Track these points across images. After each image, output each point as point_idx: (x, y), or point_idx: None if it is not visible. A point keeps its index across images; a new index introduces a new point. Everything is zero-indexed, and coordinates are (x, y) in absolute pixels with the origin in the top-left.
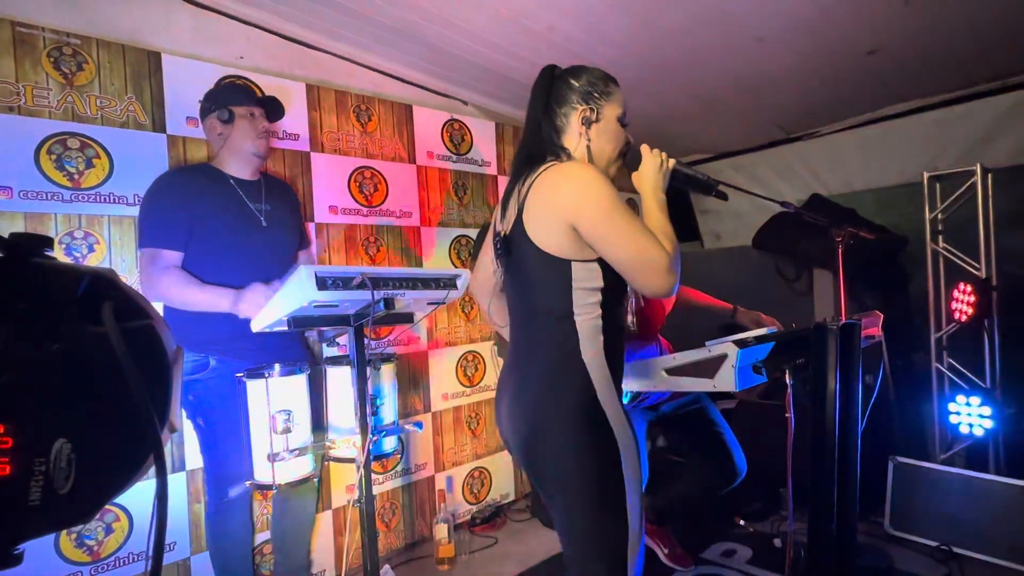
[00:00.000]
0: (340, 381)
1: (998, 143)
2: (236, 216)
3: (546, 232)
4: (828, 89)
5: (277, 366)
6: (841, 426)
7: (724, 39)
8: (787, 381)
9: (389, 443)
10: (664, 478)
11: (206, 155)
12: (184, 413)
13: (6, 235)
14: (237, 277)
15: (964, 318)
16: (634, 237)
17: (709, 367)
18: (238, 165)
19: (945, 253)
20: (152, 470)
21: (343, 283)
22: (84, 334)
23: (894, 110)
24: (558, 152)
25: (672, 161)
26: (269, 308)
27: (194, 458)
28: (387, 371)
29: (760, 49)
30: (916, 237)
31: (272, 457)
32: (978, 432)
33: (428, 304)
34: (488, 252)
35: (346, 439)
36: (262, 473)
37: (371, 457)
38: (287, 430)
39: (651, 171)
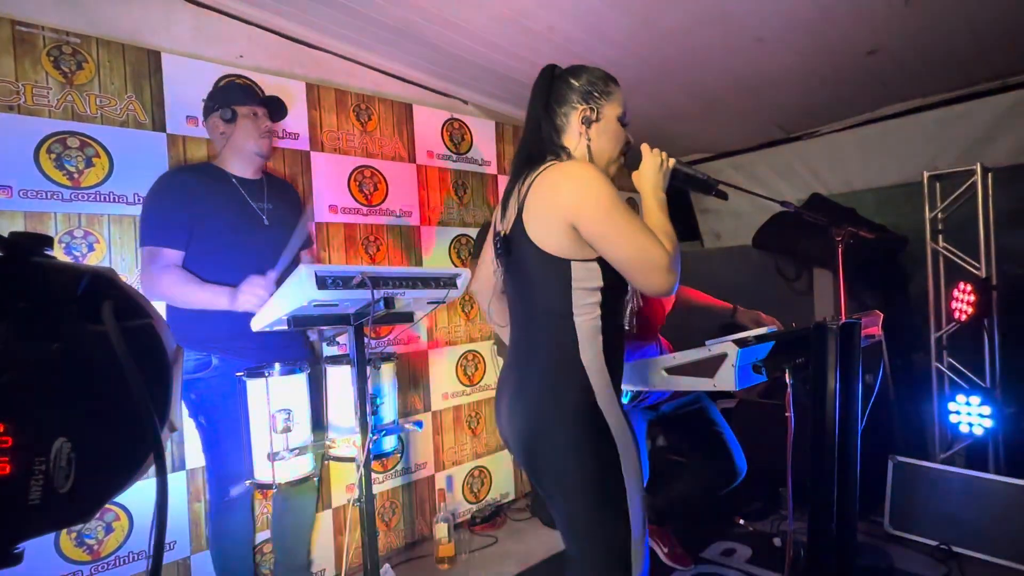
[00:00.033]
0: (340, 380)
1: (998, 142)
2: (238, 215)
3: (546, 231)
4: (828, 89)
5: (277, 365)
6: (841, 425)
7: (724, 39)
8: (787, 380)
9: (389, 442)
10: (664, 478)
11: (206, 154)
12: (186, 412)
13: (6, 234)
14: (239, 275)
15: (964, 317)
16: (634, 236)
17: (709, 366)
18: (240, 164)
19: (945, 252)
20: (152, 469)
21: (343, 282)
22: (84, 333)
23: (894, 110)
24: (558, 152)
25: (672, 160)
26: (269, 307)
27: (194, 457)
28: (387, 370)
29: (760, 49)
30: (916, 236)
31: (272, 456)
32: (978, 431)
33: (428, 303)
34: (489, 252)
35: (346, 438)
36: (262, 472)
37: (371, 456)
38: (287, 429)
39: (651, 170)
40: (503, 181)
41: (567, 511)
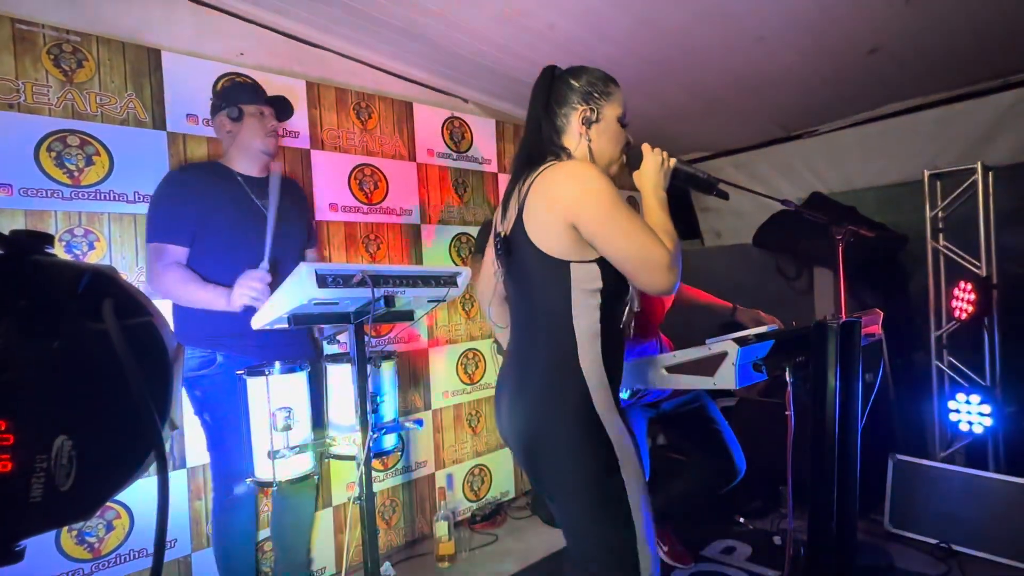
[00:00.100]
0: (340, 378)
1: (999, 141)
2: (243, 212)
3: (546, 232)
4: (829, 88)
5: (277, 364)
6: (841, 424)
7: (724, 38)
8: (787, 379)
9: (389, 440)
10: (664, 477)
11: (206, 152)
12: (191, 409)
13: (6, 232)
14: (242, 272)
15: (964, 316)
16: (635, 235)
17: (709, 365)
18: (246, 163)
19: (945, 251)
20: (152, 467)
21: (343, 281)
22: (84, 331)
23: (894, 108)
24: (558, 152)
25: (673, 160)
26: (269, 305)
27: (195, 455)
28: (387, 369)
29: (761, 48)
30: (916, 235)
31: (272, 454)
32: (978, 430)
33: (428, 302)
34: (491, 252)
35: (346, 436)
36: (262, 470)
37: (371, 454)
38: (287, 427)
39: (652, 170)
40: (503, 179)
41: (568, 514)
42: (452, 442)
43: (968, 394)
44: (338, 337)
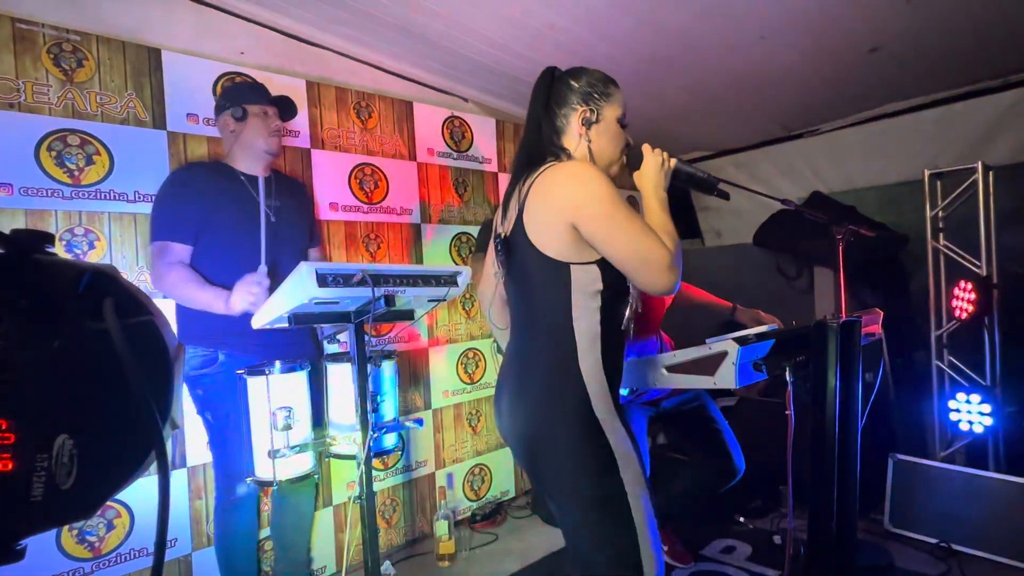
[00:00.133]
0: (341, 378)
1: (999, 141)
2: (245, 212)
3: (546, 233)
4: (829, 87)
5: (278, 363)
6: (841, 423)
7: (725, 37)
8: (787, 378)
9: (390, 440)
10: (663, 476)
11: (207, 151)
12: (194, 408)
13: (7, 232)
14: (246, 270)
15: (964, 316)
16: (635, 235)
17: (710, 364)
18: (249, 162)
19: (946, 251)
20: (153, 467)
21: (343, 280)
22: (85, 330)
23: (895, 108)
24: (558, 153)
25: (673, 160)
26: (270, 304)
27: (195, 454)
28: (388, 368)
29: (762, 47)
30: (917, 235)
31: (273, 454)
32: (978, 429)
33: (429, 301)
34: (492, 253)
35: (347, 436)
36: (263, 470)
37: (372, 454)
38: (288, 427)
39: (652, 170)
40: (503, 179)
41: (568, 515)
42: (452, 441)
43: (968, 394)
44: (338, 336)
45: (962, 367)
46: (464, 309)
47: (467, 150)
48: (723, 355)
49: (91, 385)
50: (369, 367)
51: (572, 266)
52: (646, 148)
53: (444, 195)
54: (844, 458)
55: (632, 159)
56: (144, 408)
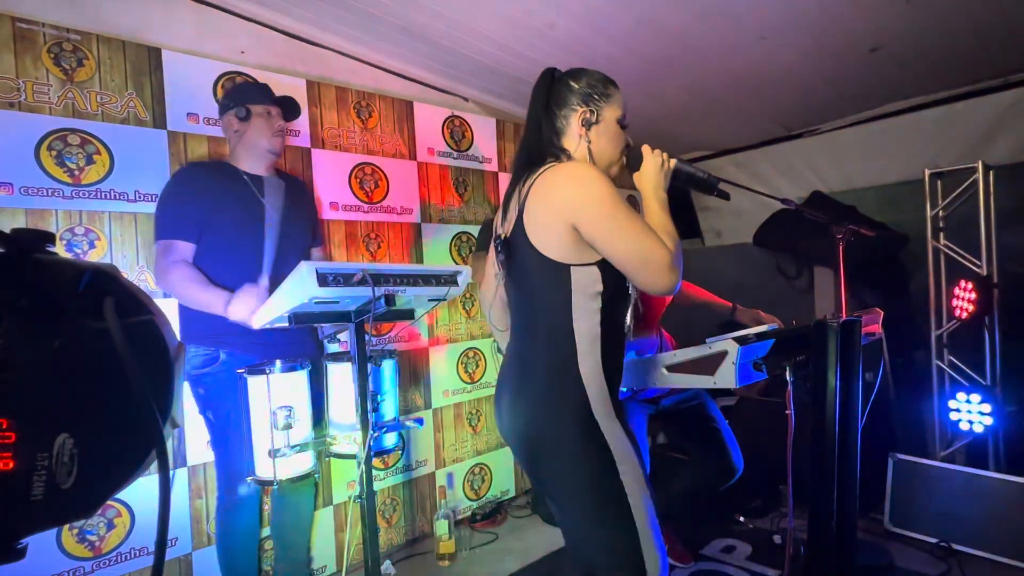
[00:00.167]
0: (341, 377)
1: (1000, 140)
2: (248, 211)
3: (546, 234)
4: (830, 87)
5: (278, 362)
6: (841, 423)
7: (725, 37)
8: (787, 378)
9: (390, 439)
10: (662, 476)
11: (207, 151)
12: (196, 408)
13: (8, 231)
14: (248, 270)
15: (965, 315)
16: (636, 235)
17: (710, 364)
18: (252, 161)
19: (946, 250)
20: (154, 466)
21: (344, 279)
22: (86, 329)
23: (896, 107)
24: (558, 154)
25: (673, 161)
26: (270, 304)
27: (196, 454)
28: (388, 367)
29: (762, 47)
30: (917, 234)
31: (273, 453)
32: (978, 429)
33: (429, 301)
34: (493, 254)
35: (347, 435)
36: (263, 469)
37: (372, 453)
38: (288, 426)
39: (652, 171)
40: (504, 178)
41: (569, 516)
42: (452, 441)
43: (968, 393)
44: (338, 336)
45: (962, 367)
46: (464, 309)
47: (467, 150)
48: (723, 355)
49: (92, 384)
50: (369, 366)
51: (572, 268)
52: (646, 149)
53: (444, 195)
54: (844, 458)
55: (632, 160)
56: (144, 407)
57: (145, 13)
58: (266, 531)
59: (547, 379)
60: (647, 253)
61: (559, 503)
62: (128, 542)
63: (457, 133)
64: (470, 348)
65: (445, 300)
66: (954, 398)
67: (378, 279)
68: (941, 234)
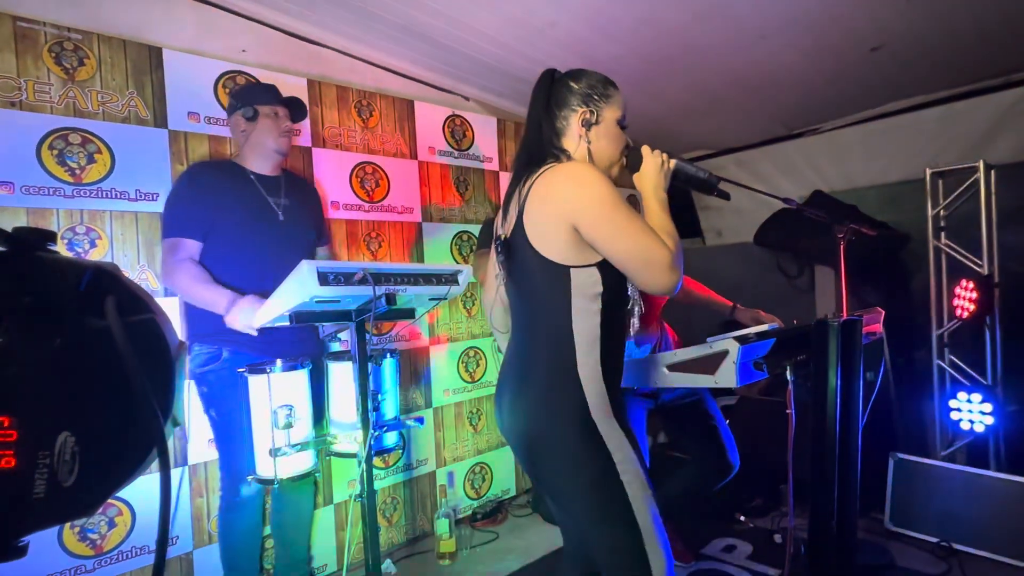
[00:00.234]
0: (342, 376)
1: (1001, 139)
2: (254, 210)
3: (546, 234)
4: (830, 86)
5: (279, 361)
6: (842, 422)
7: (726, 37)
8: (788, 377)
9: (390, 438)
10: (660, 475)
11: (208, 150)
12: (200, 406)
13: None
14: (254, 269)
15: (966, 315)
16: (636, 235)
17: (710, 363)
18: (259, 161)
19: (947, 249)
20: (155, 464)
21: (344, 279)
22: (87, 328)
23: (897, 106)
24: (558, 154)
25: (673, 161)
26: (271, 303)
27: (197, 452)
28: (389, 366)
29: (763, 47)
30: (918, 233)
31: (274, 452)
32: (979, 429)
33: (429, 300)
34: (494, 255)
35: (348, 434)
36: (264, 468)
37: (373, 452)
38: (289, 425)
39: (652, 171)
40: (504, 178)
41: (569, 516)
42: (453, 440)
43: (969, 393)
44: (339, 335)
45: (963, 366)
46: (465, 308)
47: (468, 149)
48: (724, 354)
49: (93, 383)
50: (370, 365)
51: (572, 269)
52: (645, 149)
53: (445, 194)
54: (845, 457)
55: (632, 160)
56: (146, 406)
57: (146, 12)
58: (267, 529)
59: (546, 380)
60: (648, 253)
61: (559, 504)
62: (129, 540)
63: (458, 132)
64: (471, 347)
65: (446, 299)
66: (955, 397)
67: (379, 278)
68: (942, 233)
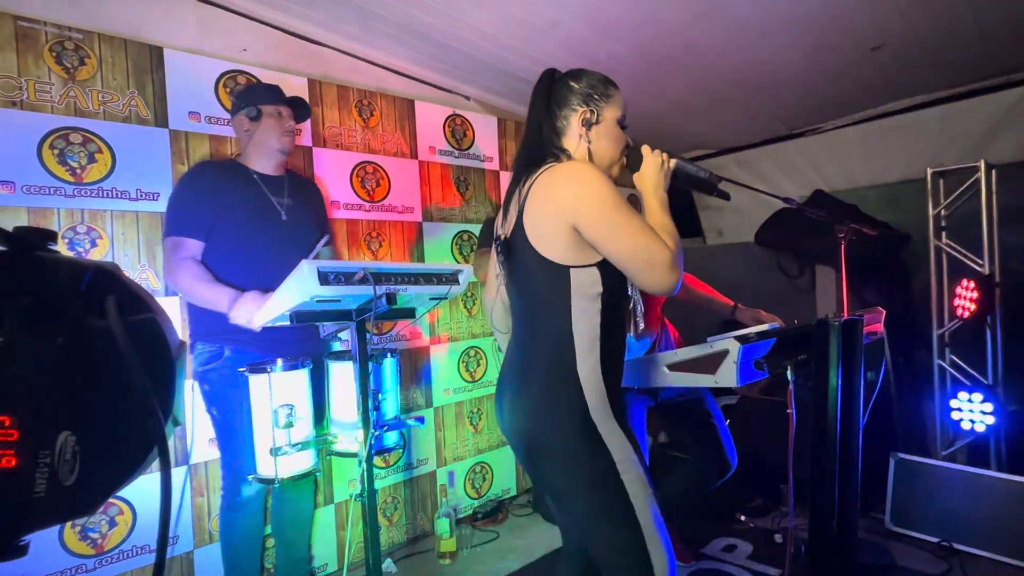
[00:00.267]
0: (342, 376)
1: (1002, 139)
2: (257, 209)
3: (546, 235)
4: (831, 85)
5: (280, 361)
6: (842, 422)
7: (727, 36)
8: (789, 377)
9: (391, 438)
10: (659, 475)
11: (208, 150)
12: (202, 405)
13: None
14: (256, 268)
15: (967, 314)
16: (636, 234)
17: (711, 363)
18: (262, 161)
19: (948, 249)
20: (156, 464)
21: (345, 278)
22: (88, 327)
23: (898, 106)
24: (558, 154)
25: (673, 161)
26: (272, 303)
27: (198, 452)
28: (389, 366)
29: (764, 46)
30: (919, 233)
31: (274, 451)
32: (979, 428)
33: (430, 299)
34: (494, 255)
35: (348, 433)
36: (265, 467)
37: (373, 452)
38: (289, 424)
39: (652, 171)
40: (505, 177)
41: (570, 517)
42: (454, 439)
43: (970, 392)
44: (340, 334)
45: (964, 366)
46: (466, 307)
47: (468, 148)
48: (724, 353)
49: (93, 382)
50: (371, 365)
51: (572, 269)
52: (646, 149)
53: (446, 193)
54: (845, 457)
55: (632, 160)
56: (146, 405)
57: (147, 12)
58: (267, 529)
59: (546, 380)
60: (648, 253)
61: (560, 503)
62: (130, 540)
63: (458, 132)
64: (471, 347)
65: (446, 299)
66: (956, 397)
67: (379, 278)
68: (943, 233)
